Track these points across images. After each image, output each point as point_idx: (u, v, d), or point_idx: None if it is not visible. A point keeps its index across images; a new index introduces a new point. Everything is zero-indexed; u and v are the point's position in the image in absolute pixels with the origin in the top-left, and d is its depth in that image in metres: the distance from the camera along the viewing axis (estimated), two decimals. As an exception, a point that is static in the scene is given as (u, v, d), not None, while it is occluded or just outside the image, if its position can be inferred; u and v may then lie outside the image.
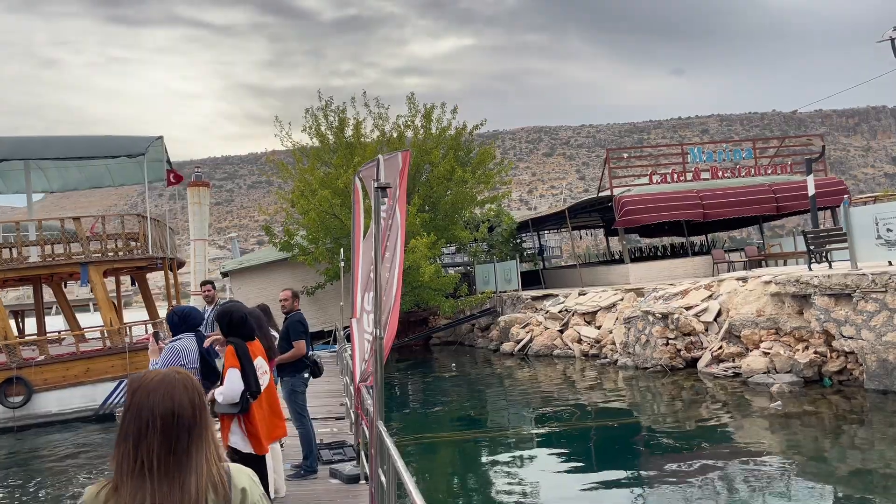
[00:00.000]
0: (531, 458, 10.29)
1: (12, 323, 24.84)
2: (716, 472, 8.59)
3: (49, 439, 13.78)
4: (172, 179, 18.48)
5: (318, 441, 7.74)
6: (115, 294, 20.87)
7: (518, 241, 31.86)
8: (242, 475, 1.71)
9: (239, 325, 4.79)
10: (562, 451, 10.67)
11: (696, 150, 25.07)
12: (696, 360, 15.35)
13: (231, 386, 4.44)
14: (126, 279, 21.45)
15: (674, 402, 13.10)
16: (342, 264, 15.21)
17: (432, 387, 17.74)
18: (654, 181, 24.33)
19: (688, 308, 16.03)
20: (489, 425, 13.06)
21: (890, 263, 12.71)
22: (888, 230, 12.52)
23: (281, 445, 6.50)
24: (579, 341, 19.30)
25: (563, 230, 37.18)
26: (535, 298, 22.93)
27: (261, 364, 4.76)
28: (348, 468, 6.99)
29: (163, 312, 16.44)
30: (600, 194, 25.09)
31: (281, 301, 7.60)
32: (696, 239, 33.11)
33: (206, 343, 5.25)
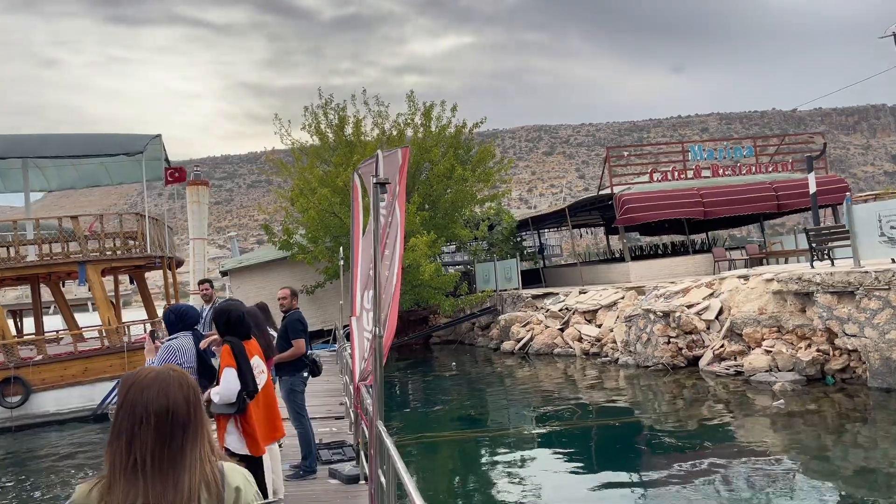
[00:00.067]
0: (532, 457, 10.21)
1: (10, 323, 24.79)
2: (718, 472, 8.51)
3: (47, 439, 13.70)
4: (171, 178, 18.36)
5: (317, 441, 7.66)
6: (113, 293, 20.79)
7: (518, 239, 31.78)
8: (236, 474, 1.68)
9: (236, 323, 4.70)
10: (563, 450, 10.59)
11: (697, 147, 24.99)
12: (697, 358, 15.27)
13: (227, 386, 4.35)
14: (125, 278, 21.36)
15: (675, 400, 13.02)
16: (341, 263, 15.13)
17: (432, 386, 17.66)
18: (655, 179, 24.26)
19: (689, 306, 15.95)
20: (490, 425, 12.98)
21: (893, 261, 12.63)
22: (891, 227, 12.44)
23: (280, 446, 6.42)
24: (580, 340, 19.22)
25: (563, 229, 37.10)
26: (535, 297, 22.85)
27: (258, 363, 4.68)
28: (348, 468, 6.91)
29: (161, 312, 16.34)
30: (601, 192, 25.01)
31: (279, 300, 7.51)
32: (697, 237, 33.03)
33: (203, 344, 5.17)
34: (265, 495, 4.61)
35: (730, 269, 20.65)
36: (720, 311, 15.58)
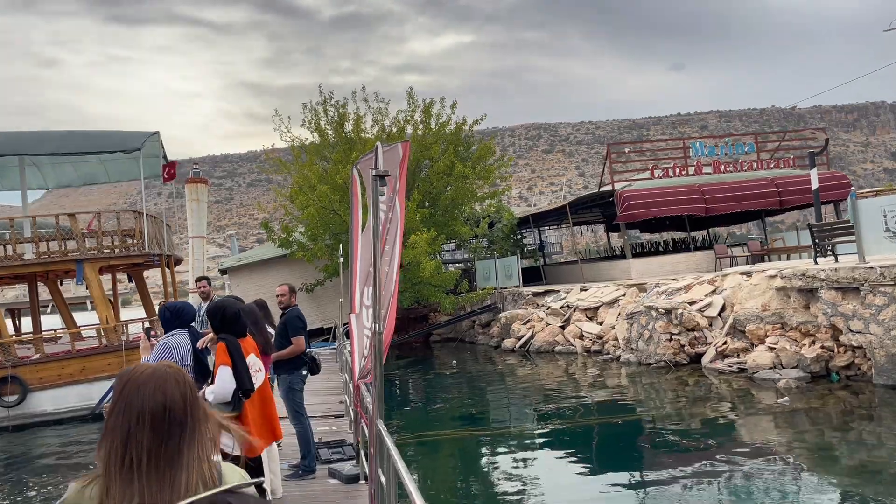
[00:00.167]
0: (533, 456, 10.11)
1: (9, 322, 24.67)
2: (721, 470, 8.40)
3: (44, 439, 13.60)
4: (167, 175, 18.23)
5: (316, 440, 7.55)
6: (111, 292, 20.67)
7: (519, 236, 31.68)
8: (234, 474, 1.64)
9: (231, 321, 4.58)
10: (564, 448, 10.48)
11: (698, 144, 24.87)
12: (700, 355, 15.16)
13: (222, 384, 4.24)
14: (123, 277, 21.24)
15: (678, 398, 12.90)
16: (341, 260, 15.02)
17: (433, 384, 17.54)
18: (656, 176, 24.15)
19: (691, 303, 15.83)
20: (491, 423, 12.87)
21: (898, 256, 12.52)
22: (896, 222, 12.33)
23: (278, 445, 6.31)
24: (581, 337, 19.10)
25: (563, 226, 37.00)
26: (536, 294, 22.74)
27: (254, 361, 4.56)
28: (347, 468, 6.79)
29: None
30: (602, 189, 24.89)
31: (278, 296, 7.39)
32: (697, 234, 32.93)
33: (201, 344, 5.06)
34: (263, 496, 4.49)
35: (731, 266, 20.53)
36: (723, 308, 15.46)
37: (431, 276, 21.98)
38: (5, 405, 14.53)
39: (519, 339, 20.70)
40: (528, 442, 10.98)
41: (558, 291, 21.97)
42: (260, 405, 4.67)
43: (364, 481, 6.38)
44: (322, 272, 24.36)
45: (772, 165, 24.74)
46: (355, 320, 5.36)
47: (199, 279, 9.48)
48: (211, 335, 4.90)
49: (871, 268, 11.81)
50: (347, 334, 7.24)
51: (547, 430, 11.78)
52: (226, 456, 4.10)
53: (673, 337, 15.50)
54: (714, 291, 16.17)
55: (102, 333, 15.83)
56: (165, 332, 5.25)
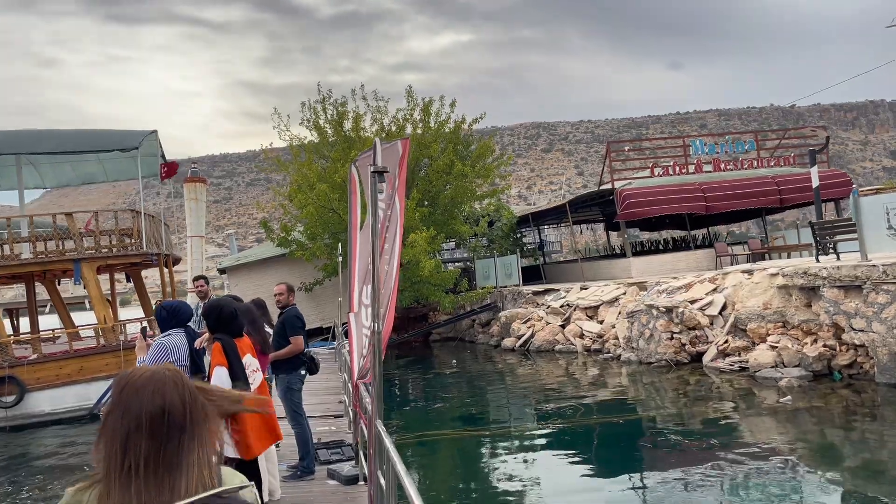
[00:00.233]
0: (534, 456, 10.04)
1: (7, 322, 24.58)
2: (723, 469, 8.33)
3: (42, 439, 13.51)
4: (164, 172, 18.12)
5: (315, 440, 7.47)
6: (110, 292, 20.58)
7: (518, 235, 31.60)
8: (235, 480, 1.60)
9: (227, 320, 4.50)
10: (565, 448, 10.41)
11: (698, 142, 24.79)
12: (701, 354, 15.09)
13: (218, 385, 4.15)
14: (122, 277, 21.15)
15: (679, 397, 12.82)
16: (340, 259, 14.94)
17: (433, 384, 17.47)
18: (656, 174, 24.07)
19: (692, 302, 15.76)
20: (491, 423, 12.79)
21: (900, 254, 12.45)
22: (899, 220, 12.25)
23: (277, 446, 6.23)
24: (581, 336, 19.03)
25: (562, 225, 36.92)
26: (536, 293, 22.66)
27: (250, 362, 4.48)
28: (346, 468, 6.72)
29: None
30: (601, 188, 24.81)
31: (276, 295, 7.30)
32: (697, 233, 32.87)
33: (198, 344, 4.98)
34: (261, 498, 4.41)
35: (732, 265, 20.46)
36: (724, 307, 15.39)
37: (431, 274, 21.90)
38: (3, 405, 14.45)
39: (519, 338, 20.62)
40: (528, 442, 10.90)
41: (558, 290, 21.89)
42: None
43: (363, 482, 6.30)
44: (321, 271, 24.28)
45: (772, 163, 24.67)
46: (354, 319, 5.29)
47: (196, 278, 9.41)
48: (207, 335, 4.82)
49: (874, 266, 11.73)
50: (346, 334, 7.16)
51: (547, 429, 11.71)
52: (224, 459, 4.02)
53: (674, 336, 15.43)
54: (715, 290, 16.10)
55: (100, 333, 15.75)
56: (162, 332, 5.17)
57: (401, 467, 3.13)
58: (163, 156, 18.60)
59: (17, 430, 14.27)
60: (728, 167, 24.47)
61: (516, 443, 10.86)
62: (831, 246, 14.41)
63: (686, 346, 15.30)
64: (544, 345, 19.50)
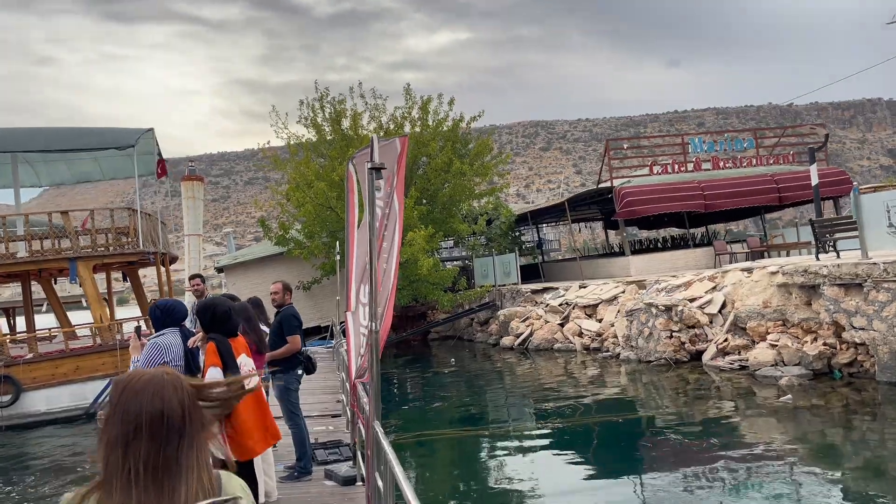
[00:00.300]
0: (533, 455, 9.97)
1: (3, 321, 24.48)
2: (723, 468, 8.28)
3: (38, 439, 13.43)
4: (160, 170, 18.04)
5: (312, 440, 7.40)
6: (106, 291, 20.49)
7: (517, 234, 31.53)
8: (234, 483, 1.61)
9: (222, 320, 4.42)
10: (564, 447, 10.35)
11: (697, 140, 24.74)
12: (700, 352, 15.03)
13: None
14: (119, 275, 21.05)
15: (679, 396, 12.77)
16: (338, 258, 14.87)
17: (431, 382, 17.40)
18: (655, 172, 24.01)
19: (692, 300, 15.70)
20: (490, 422, 12.73)
21: (900, 252, 12.39)
22: (899, 218, 12.19)
23: (274, 447, 6.15)
24: (580, 335, 18.97)
25: (561, 223, 36.86)
26: (534, 292, 22.59)
27: (245, 361, 4.40)
28: (344, 469, 6.64)
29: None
30: (600, 186, 24.75)
31: (272, 294, 7.21)
32: (696, 231, 32.83)
33: (191, 343, 4.90)
34: (256, 499, 4.34)
35: (731, 263, 20.41)
36: (723, 305, 15.33)
37: (429, 273, 21.83)
38: (-2, 405, 14.36)
39: (517, 336, 20.56)
40: (526, 441, 10.84)
41: (557, 289, 21.83)
42: (254, 407, 4.51)
43: (361, 483, 6.23)
44: (319, 270, 24.20)
45: (771, 161, 24.62)
46: (351, 318, 5.22)
47: (192, 277, 9.33)
48: (200, 335, 4.74)
49: (875, 263, 11.68)
50: (344, 332, 7.08)
51: (546, 429, 11.64)
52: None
53: (673, 334, 15.38)
54: (714, 288, 16.04)
55: (97, 332, 15.66)
56: (156, 331, 5.10)
57: (398, 469, 3.08)
58: (160, 154, 18.52)
59: (13, 430, 14.18)
60: (727, 165, 24.41)
61: (515, 442, 10.79)
62: (831, 244, 14.35)
63: (685, 345, 15.24)
64: (543, 343, 19.44)
